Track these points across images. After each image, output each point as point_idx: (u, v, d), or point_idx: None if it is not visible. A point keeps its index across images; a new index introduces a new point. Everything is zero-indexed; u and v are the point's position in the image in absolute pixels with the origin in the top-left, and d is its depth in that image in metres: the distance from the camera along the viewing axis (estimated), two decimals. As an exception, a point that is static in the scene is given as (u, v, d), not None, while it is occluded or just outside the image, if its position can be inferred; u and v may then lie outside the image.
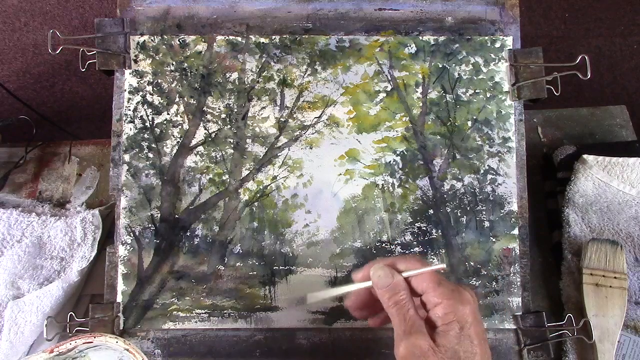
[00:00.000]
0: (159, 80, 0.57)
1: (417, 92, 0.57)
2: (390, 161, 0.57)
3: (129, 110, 0.56)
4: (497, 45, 0.58)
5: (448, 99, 0.57)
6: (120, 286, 0.55)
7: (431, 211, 0.56)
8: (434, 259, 0.56)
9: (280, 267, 0.56)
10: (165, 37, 0.57)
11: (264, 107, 0.57)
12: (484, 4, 0.58)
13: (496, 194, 0.56)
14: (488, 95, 0.57)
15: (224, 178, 0.56)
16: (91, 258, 0.57)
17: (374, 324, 0.46)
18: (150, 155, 0.56)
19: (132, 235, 0.55)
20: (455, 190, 0.57)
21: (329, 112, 0.57)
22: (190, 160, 0.56)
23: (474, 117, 0.57)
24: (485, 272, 0.56)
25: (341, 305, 0.55)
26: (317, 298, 0.45)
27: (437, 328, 0.38)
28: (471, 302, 0.39)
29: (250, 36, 0.57)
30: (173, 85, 0.57)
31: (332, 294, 0.45)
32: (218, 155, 0.57)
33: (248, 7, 0.58)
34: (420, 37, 0.58)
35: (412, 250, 0.56)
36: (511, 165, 0.57)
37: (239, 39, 0.57)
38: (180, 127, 0.57)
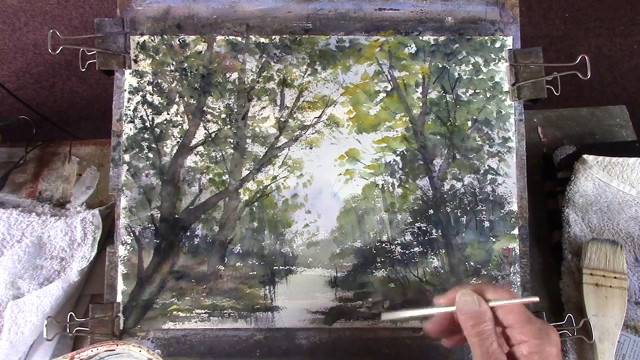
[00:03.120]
0: (159, 80, 0.57)
1: (417, 92, 0.57)
2: (390, 161, 0.57)
3: (129, 110, 0.56)
4: (497, 45, 0.58)
5: (448, 99, 0.57)
6: (120, 286, 0.55)
7: (431, 211, 0.56)
8: (433, 258, 0.56)
9: (280, 267, 0.56)
10: (165, 37, 0.57)
11: (264, 107, 0.57)
12: (484, 4, 0.58)
13: (496, 194, 0.56)
14: (488, 95, 0.57)
15: (224, 178, 0.56)
16: (91, 258, 0.57)
17: (448, 345, 0.44)
18: (150, 155, 0.56)
19: (132, 235, 0.55)
20: (455, 190, 0.57)
21: (329, 112, 0.57)
22: (190, 160, 0.56)
23: (474, 117, 0.57)
24: (485, 272, 0.56)
25: (341, 305, 0.55)
26: (394, 317, 0.43)
27: None
28: (558, 344, 0.38)
29: (250, 36, 0.57)
30: (173, 85, 0.57)
31: (410, 315, 0.43)
32: (218, 155, 0.57)
33: (248, 7, 0.58)
34: (420, 37, 0.58)
35: (412, 250, 0.56)
36: (511, 165, 0.57)
37: (239, 39, 0.57)
38: (180, 127, 0.57)
